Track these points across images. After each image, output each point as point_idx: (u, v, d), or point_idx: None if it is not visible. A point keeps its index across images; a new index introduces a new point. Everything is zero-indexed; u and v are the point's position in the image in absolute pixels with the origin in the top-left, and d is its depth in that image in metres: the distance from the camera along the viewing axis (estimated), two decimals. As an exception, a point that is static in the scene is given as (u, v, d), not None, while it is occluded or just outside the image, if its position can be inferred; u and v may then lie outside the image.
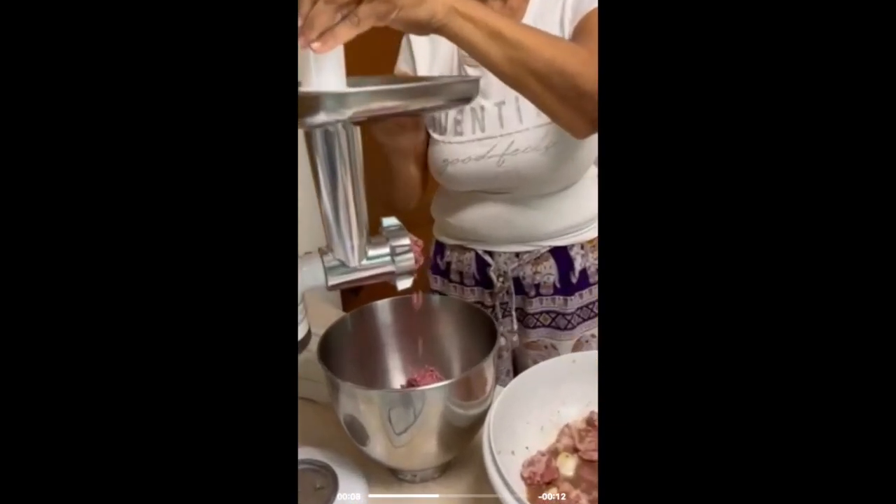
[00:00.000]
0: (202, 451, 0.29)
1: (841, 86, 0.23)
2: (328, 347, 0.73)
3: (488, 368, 0.68)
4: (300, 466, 0.74)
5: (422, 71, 0.93)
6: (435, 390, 0.64)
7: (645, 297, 0.26)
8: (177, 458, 0.28)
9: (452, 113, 0.90)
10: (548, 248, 0.95)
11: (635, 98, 0.26)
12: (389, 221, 0.65)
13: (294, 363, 0.47)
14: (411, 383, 0.81)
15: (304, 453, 0.76)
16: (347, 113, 0.50)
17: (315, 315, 0.68)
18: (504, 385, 0.70)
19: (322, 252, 0.61)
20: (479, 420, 0.70)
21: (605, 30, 0.28)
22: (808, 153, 0.24)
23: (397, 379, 0.84)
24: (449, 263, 1.05)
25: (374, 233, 0.64)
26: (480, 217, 0.96)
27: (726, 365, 0.25)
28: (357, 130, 0.57)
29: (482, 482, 0.68)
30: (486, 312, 0.77)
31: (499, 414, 0.66)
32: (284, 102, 0.32)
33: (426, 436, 0.66)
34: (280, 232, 0.31)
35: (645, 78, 0.26)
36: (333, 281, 0.61)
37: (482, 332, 0.75)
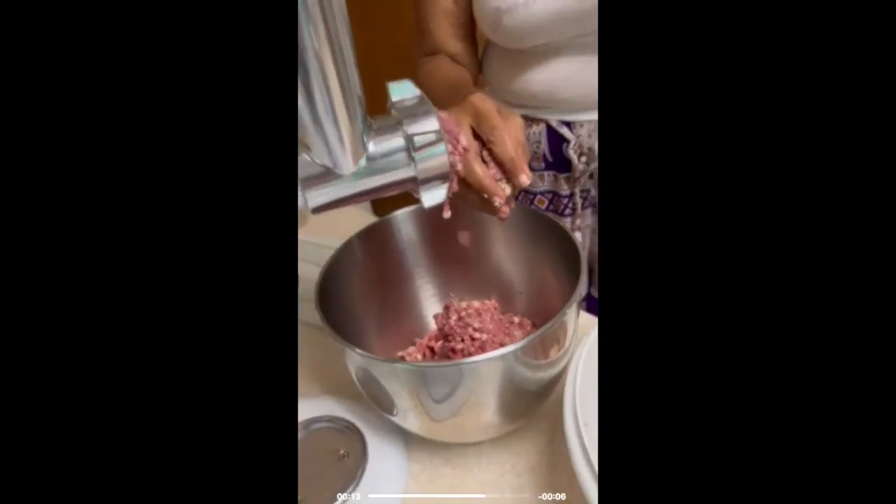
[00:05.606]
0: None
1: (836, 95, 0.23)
2: (332, 282, 0.50)
3: (570, 320, 0.45)
4: (317, 425, 0.55)
5: None
6: (492, 361, 0.42)
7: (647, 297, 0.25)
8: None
9: None
10: None
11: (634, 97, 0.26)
12: (402, 88, 0.39)
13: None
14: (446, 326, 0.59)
15: (320, 408, 0.57)
16: None
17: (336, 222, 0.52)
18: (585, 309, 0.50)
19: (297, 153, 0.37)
20: (555, 381, 0.49)
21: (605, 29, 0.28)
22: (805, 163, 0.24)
23: (431, 311, 0.63)
24: None
25: (379, 110, 0.39)
26: (555, 77, 0.68)
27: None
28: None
29: (556, 445, 0.50)
30: (561, 225, 0.53)
31: (586, 371, 0.44)
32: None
33: (478, 411, 0.46)
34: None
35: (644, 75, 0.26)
36: (318, 200, 0.37)
37: (549, 243, 0.52)
